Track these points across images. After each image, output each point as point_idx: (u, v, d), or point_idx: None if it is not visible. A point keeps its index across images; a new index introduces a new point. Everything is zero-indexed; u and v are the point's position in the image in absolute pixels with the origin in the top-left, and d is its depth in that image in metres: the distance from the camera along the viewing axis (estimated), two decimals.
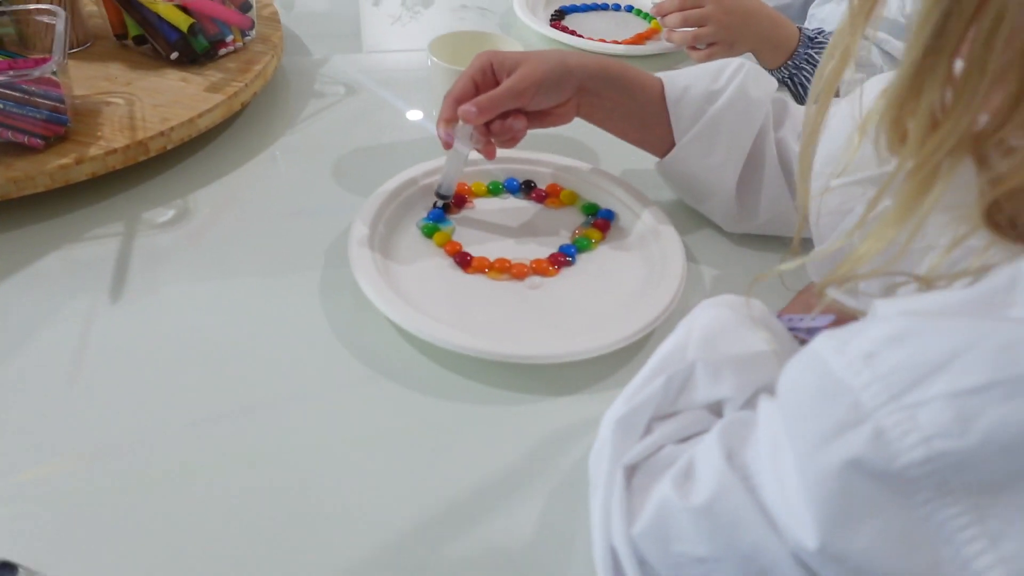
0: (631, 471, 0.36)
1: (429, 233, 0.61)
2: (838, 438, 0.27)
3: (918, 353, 0.26)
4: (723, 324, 0.41)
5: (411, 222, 0.62)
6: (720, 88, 0.60)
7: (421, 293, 0.55)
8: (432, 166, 0.65)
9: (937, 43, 0.27)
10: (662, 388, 0.37)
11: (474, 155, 0.67)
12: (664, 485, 0.34)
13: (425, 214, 0.63)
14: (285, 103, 0.79)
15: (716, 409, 0.38)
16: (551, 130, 0.75)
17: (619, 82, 0.59)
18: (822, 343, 0.30)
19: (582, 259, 0.60)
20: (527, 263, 0.58)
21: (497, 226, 0.63)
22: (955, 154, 0.29)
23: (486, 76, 0.58)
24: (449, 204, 0.64)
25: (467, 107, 0.56)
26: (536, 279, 0.58)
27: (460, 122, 0.58)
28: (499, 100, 0.57)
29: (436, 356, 0.52)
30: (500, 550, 0.42)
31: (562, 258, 0.59)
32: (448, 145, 0.60)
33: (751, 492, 0.31)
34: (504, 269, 0.58)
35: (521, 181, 0.67)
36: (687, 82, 0.60)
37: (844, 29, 0.34)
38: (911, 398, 0.26)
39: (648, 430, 0.38)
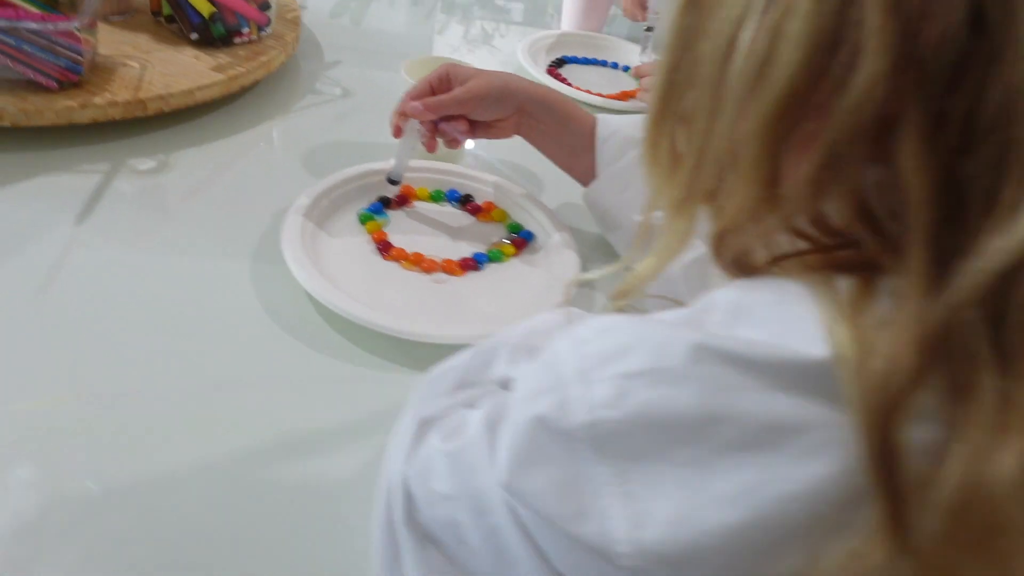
0: (426, 424, 0.43)
1: (364, 221, 0.69)
2: (537, 398, 0.33)
3: (611, 342, 0.32)
4: (547, 324, 0.47)
5: (354, 209, 0.70)
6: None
7: (335, 265, 0.63)
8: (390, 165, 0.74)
9: (665, 105, 0.34)
10: (468, 360, 0.44)
11: (431, 165, 0.76)
12: (436, 434, 0.40)
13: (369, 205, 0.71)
14: (285, 94, 0.89)
15: (507, 386, 0.44)
16: (507, 157, 0.83)
17: (556, 111, 0.68)
18: (567, 331, 0.36)
19: (491, 268, 0.68)
20: (439, 261, 0.66)
21: (428, 227, 0.71)
22: (692, 194, 0.35)
23: (442, 83, 0.68)
24: (390, 200, 0.72)
25: (415, 104, 0.66)
26: (442, 276, 0.65)
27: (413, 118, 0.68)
28: (444, 104, 0.66)
29: (331, 319, 0.59)
30: (323, 482, 0.49)
31: (471, 263, 0.67)
32: (397, 134, 0.69)
33: (492, 447, 0.37)
34: (416, 262, 0.65)
35: (462, 194, 0.75)
36: (617, 126, 0.68)
37: None
38: (594, 375, 0.32)
39: (453, 395, 0.44)
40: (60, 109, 0.69)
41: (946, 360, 0.26)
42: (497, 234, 0.72)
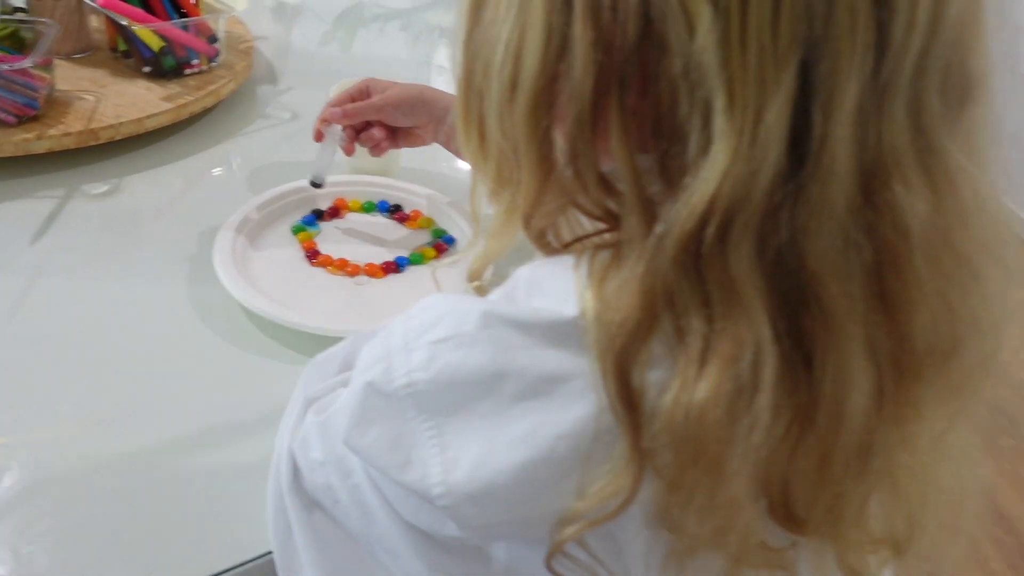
0: (311, 403, 0.48)
1: (296, 231, 0.75)
2: (371, 367, 0.38)
3: (428, 315, 0.37)
4: None
5: (289, 221, 0.76)
6: None
7: (264, 272, 0.69)
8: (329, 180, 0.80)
9: (466, 108, 0.39)
10: (350, 345, 0.50)
11: (364, 179, 0.82)
12: (314, 409, 0.46)
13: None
14: (237, 119, 0.95)
15: None
16: (442, 170, 0.89)
17: None
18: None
19: (412, 270, 0.73)
20: (362, 265, 0.72)
21: (357, 236, 0.77)
22: (501, 181, 0.40)
23: (362, 93, 0.75)
24: (323, 212, 0.78)
25: (335, 109, 0.73)
26: (364, 278, 0.71)
27: (334, 124, 0.74)
28: (361, 110, 0.73)
29: (259, 322, 0.65)
30: (242, 464, 0.54)
31: (393, 266, 0.72)
32: (318, 138, 0.75)
33: None
34: (341, 266, 0.71)
35: (392, 204, 0.81)
36: None
37: None
38: (413, 344, 0.37)
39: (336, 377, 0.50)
40: (18, 141, 0.76)
41: (669, 312, 0.31)
42: (422, 240, 0.78)
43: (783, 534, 0.35)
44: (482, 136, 0.38)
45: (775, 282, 0.30)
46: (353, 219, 0.79)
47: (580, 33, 0.30)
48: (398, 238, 0.77)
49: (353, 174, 0.83)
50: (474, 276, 0.46)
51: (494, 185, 0.40)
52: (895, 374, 0.32)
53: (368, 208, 0.80)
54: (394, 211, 0.80)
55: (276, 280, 0.68)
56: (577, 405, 0.33)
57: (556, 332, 0.33)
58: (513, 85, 0.34)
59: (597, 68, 0.30)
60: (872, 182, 0.29)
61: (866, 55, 0.28)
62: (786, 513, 0.34)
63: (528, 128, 0.34)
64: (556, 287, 0.35)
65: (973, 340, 0.33)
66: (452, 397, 0.36)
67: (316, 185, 0.75)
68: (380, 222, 0.79)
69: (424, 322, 0.37)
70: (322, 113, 0.75)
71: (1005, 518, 1.53)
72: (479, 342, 0.35)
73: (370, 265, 0.72)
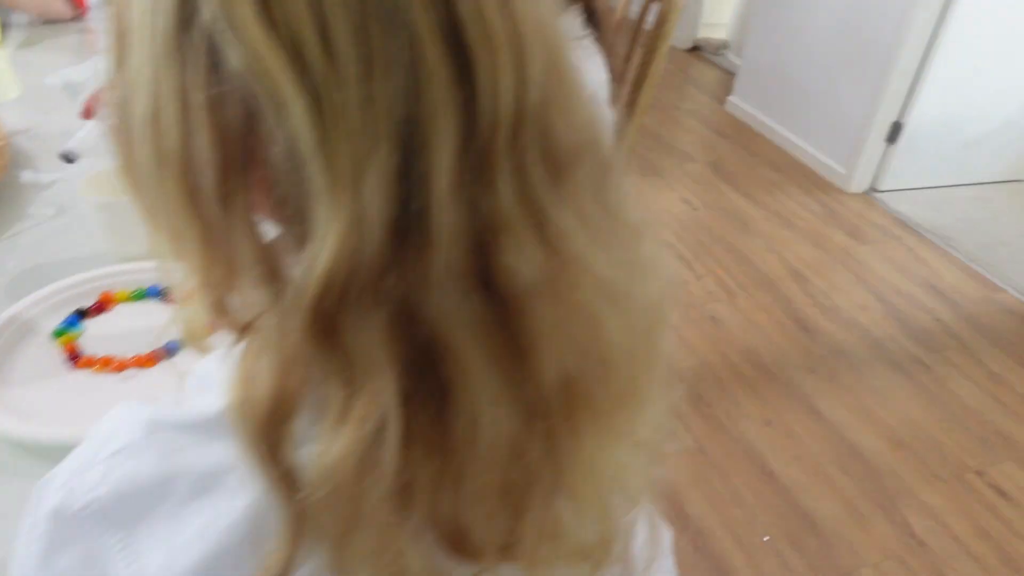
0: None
1: (58, 335, 0.72)
2: (56, 491, 0.37)
3: (106, 430, 0.37)
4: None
5: (49, 326, 0.73)
6: None
7: (18, 386, 0.65)
8: (84, 276, 0.77)
9: (127, 180, 0.37)
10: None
11: (129, 268, 0.78)
12: None
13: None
14: None
15: None
16: None
17: None
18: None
19: (188, 352, 0.71)
20: (129, 358, 0.69)
21: (127, 328, 0.74)
22: (177, 249, 0.39)
23: None
24: (86, 310, 0.75)
25: None
26: (133, 371, 0.69)
27: None
28: None
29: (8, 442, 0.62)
30: None
31: (163, 353, 0.70)
32: (87, 116, 0.70)
33: None
34: (105, 365, 0.69)
35: (163, 287, 0.79)
36: None
37: None
38: (91, 461, 0.36)
39: None
40: None
41: (310, 383, 0.32)
42: None
43: (466, 565, 0.36)
44: (148, 206, 0.38)
45: (402, 342, 0.32)
46: (121, 311, 0.77)
47: (199, 122, 0.31)
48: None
49: (119, 262, 0.80)
50: (193, 340, 0.45)
51: (172, 252, 0.39)
52: (540, 407, 0.34)
53: (138, 296, 0.78)
54: (167, 294, 0.78)
55: (32, 393, 0.65)
56: (242, 493, 0.33)
57: (212, 426, 0.34)
58: (158, 162, 0.33)
59: (217, 153, 0.31)
60: (484, 244, 0.31)
61: (454, 132, 0.30)
62: (461, 546, 0.35)
63: (179, 201, 0.33)
64: (218, 379, 0.36)
65: (608, 371, 0.36)
66: (133, 507, 0.35)
67: (68, 160, 0.68)
68: (152, 309, 0.77)
69: (103, 437, 0.37)
70: (99, 89, 0.69)
71: (854, 448, 1.66)
72: (147, 449, 0.35)
73: (138, 357, 0.70)
